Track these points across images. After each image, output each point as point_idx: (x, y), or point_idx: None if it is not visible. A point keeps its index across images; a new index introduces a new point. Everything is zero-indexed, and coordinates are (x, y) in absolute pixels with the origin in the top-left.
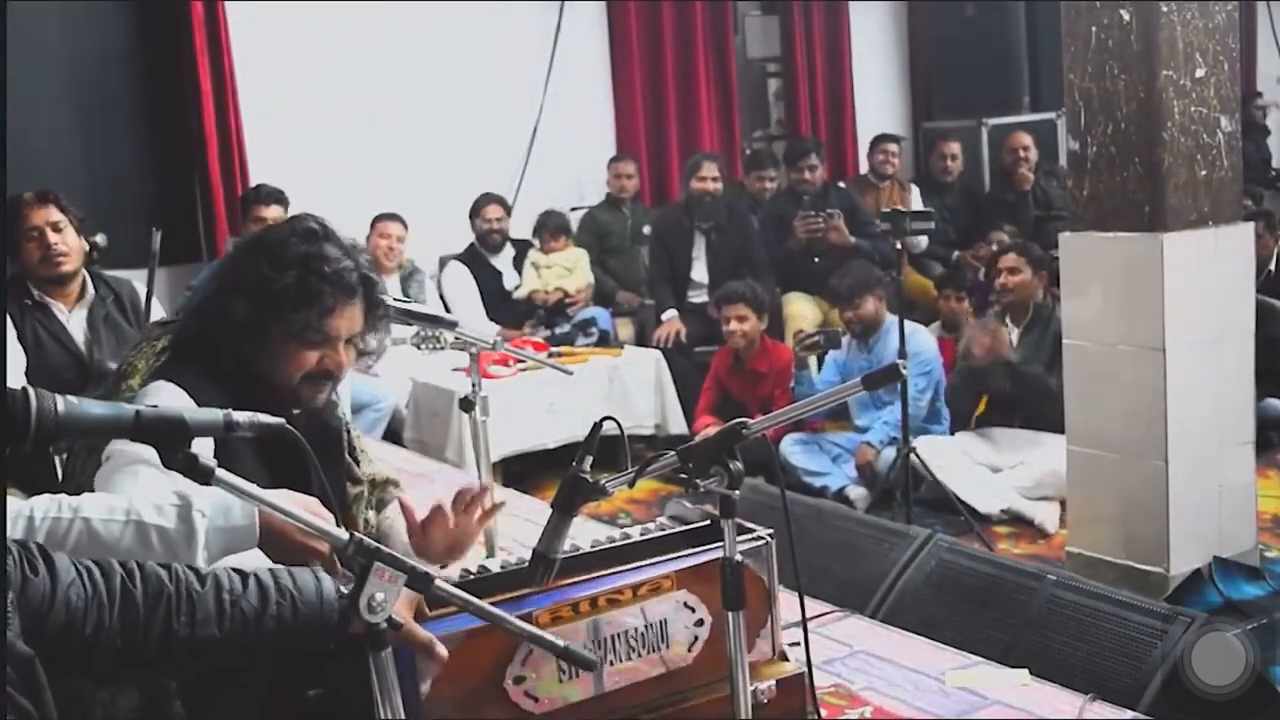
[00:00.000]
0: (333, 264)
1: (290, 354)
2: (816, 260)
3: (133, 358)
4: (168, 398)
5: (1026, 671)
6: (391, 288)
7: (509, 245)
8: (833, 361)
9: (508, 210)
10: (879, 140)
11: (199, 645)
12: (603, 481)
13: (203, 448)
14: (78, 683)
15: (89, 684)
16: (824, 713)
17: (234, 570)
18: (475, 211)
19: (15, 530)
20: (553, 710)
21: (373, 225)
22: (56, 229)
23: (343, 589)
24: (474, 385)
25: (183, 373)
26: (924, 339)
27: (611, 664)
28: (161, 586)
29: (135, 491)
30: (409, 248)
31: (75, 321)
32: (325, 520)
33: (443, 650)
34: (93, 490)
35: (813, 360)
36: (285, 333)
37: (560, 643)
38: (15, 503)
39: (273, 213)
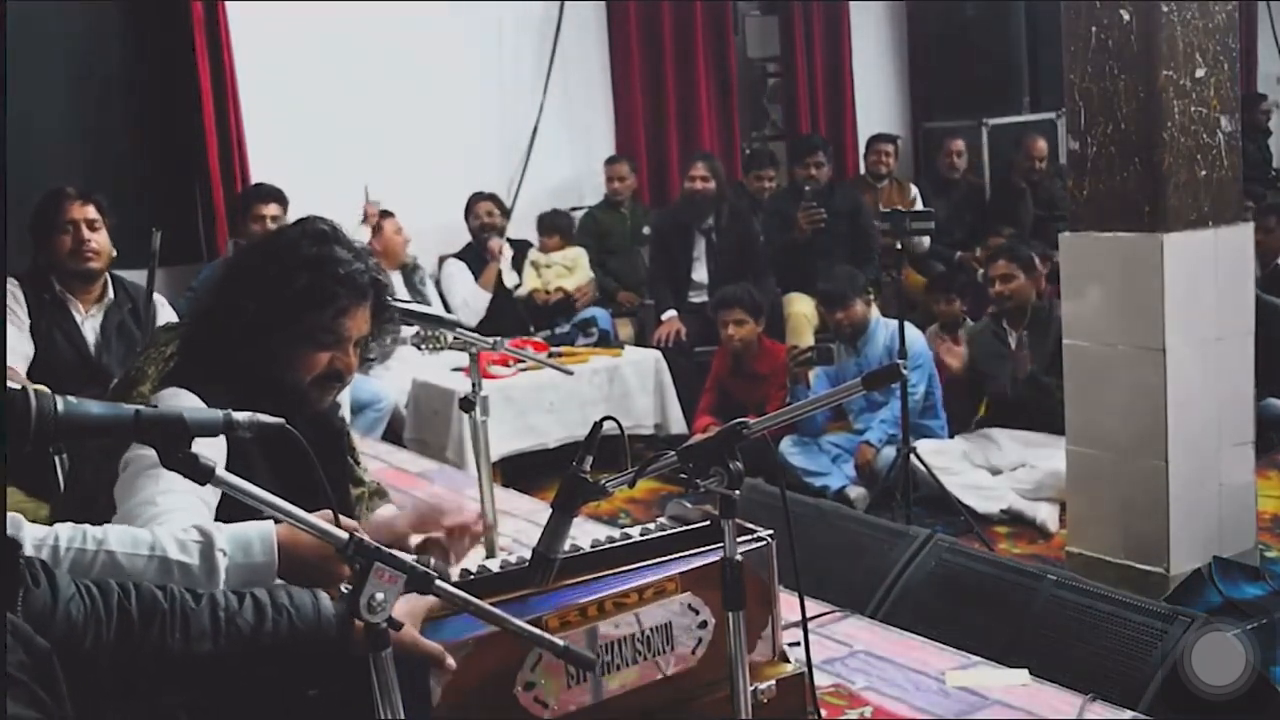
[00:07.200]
0: (345, 266)
1: (301, 356)
2: (820, 263)
3: (142, 363)
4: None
5: (1026, 671)
6: (395, 283)
7: (507, 245)
8: (823, 373)
9: (501, 207)
10: (874, 140)
11: (195, 662)
12: (603, 481)
13: (210, 450)
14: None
15: (91, 701)
16: (824, 713)
17: (231, 589)
18: (468, 210)
19: (40, 556)
20: (562, 715)
21: (377, 226)
22: (93, 227)
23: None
24: (474, 385)
25: (193, 377)
26: (912, 334)
27: (618, 668)
28: (155, 603)
29: (159, 493)
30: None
31: (90, 324)
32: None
33: (451, 662)
34: (97, 499)
35: (811, 374)
36: (297, 335)
37: (560, 642)
38: (40, 530)
39: (272, 210)
